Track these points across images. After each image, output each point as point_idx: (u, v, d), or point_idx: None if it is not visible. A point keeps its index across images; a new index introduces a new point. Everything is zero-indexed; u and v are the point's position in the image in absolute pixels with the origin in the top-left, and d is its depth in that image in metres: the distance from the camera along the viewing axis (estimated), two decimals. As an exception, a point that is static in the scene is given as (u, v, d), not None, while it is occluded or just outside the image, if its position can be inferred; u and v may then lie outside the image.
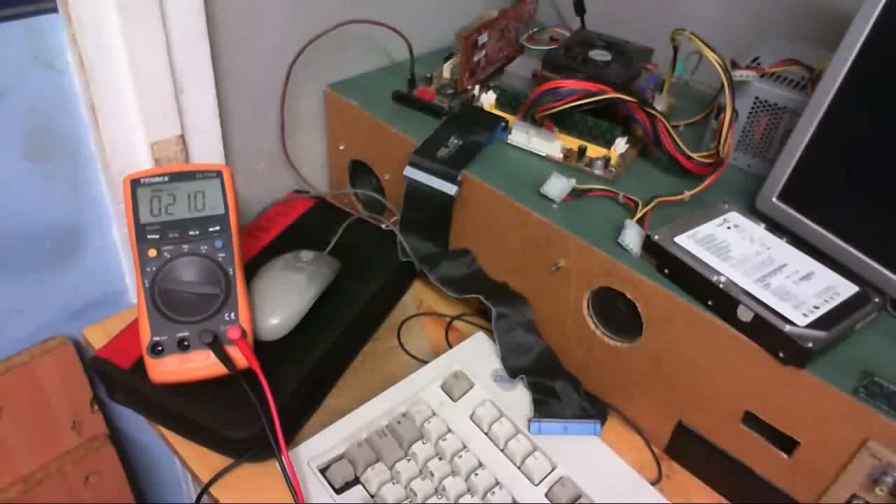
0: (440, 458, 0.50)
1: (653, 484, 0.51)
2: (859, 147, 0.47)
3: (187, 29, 0.55)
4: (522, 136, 0.61)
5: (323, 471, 0.49)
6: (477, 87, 0.68)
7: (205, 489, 0.48)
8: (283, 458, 0.46)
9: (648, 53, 0.66)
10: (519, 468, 0.51)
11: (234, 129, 0.65)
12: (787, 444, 0.47)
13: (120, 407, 0.54)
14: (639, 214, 0.53)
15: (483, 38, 0.68)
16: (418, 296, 0.67)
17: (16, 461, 0.64)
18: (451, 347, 0.61)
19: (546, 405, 0.54)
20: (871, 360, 0.44)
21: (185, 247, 0.50)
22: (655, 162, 0.61)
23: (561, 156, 0.60)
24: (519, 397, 0.55)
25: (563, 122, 0.62)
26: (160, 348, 0.48)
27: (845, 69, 0.45)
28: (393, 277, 0.64)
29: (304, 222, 0.68)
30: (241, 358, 0.49)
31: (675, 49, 0.61)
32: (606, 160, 0.59)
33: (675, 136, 0.56)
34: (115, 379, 0.51)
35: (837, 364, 0.44)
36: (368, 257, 0.63)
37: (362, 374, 0.59)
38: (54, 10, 0.51)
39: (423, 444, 0.51)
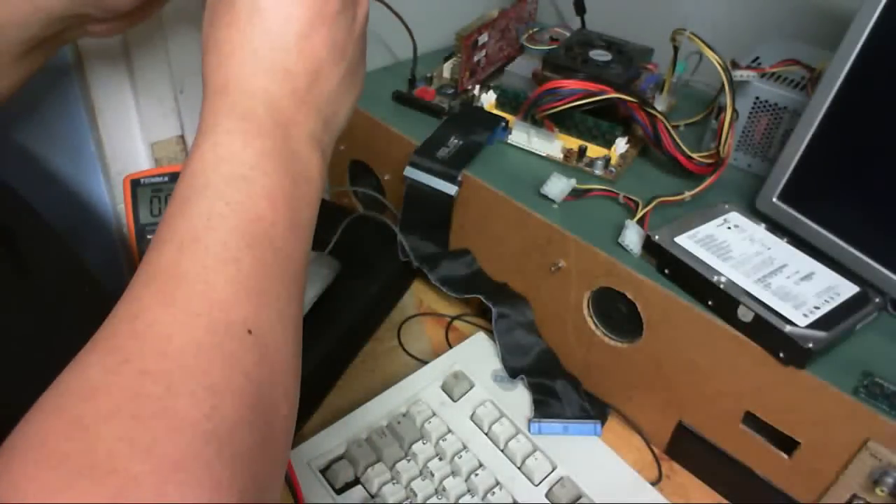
0: (440, 459, 0.50)
1: (653, 484, 0.51)
2: (860, 147, 0.47)
3: (186, 29, 0.55)
4: (522, 136, 0.61)
5: (323, 471, 0.49)
6: (477, 87, 0.68)
7: (205, 489, 0.48)
8: (283, 458, 0.46)
9: (648, 53, 0.66)
10: (519, 468, 0.51)
11: (234, 129, 0.65)
12: (787, 444, 0.47)
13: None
14: (639, 214, 0.53)
15: (483, 38, 0.68)
16: (418, 296, 0.67)
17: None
18: (451, 347, 0.61)
19: (546, 405, 0.54)
20: (871, 361, 0.44)
21: (185, 247, 0.50)
22: (655, 162, 0.61)
23: (561, 156, 0.60)
24: (519, 397, 0.55)
25: (563, 122, 0.62)
26: (160, 348, 0.48)
27: (845, 69, 0.45)
28: (393, 277, 0.64)
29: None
30: (241, 358, 0.49)
31: (676, 49, 0.61)
32: (607, 160, 0.59)
33: (675, 136, 0.56)
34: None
35: (838, 364, 0.44)
36: (368, 257, 0.63)
37: (362, 374, 0.59)
38: (54, 10, 0.51)
39: (424, 444, 0.51)
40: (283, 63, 0.33)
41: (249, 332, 0.27)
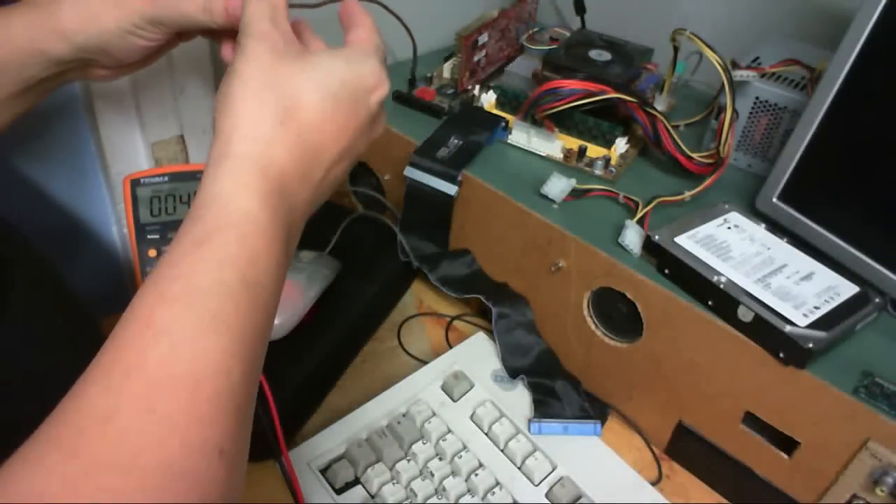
0: (440, 459, 0.50)
1: (653, 484, 0.51)
2: (859, 147, 0.47)
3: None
4: (523, 136, 0.61)
5: (323, 471, 0.49)
6: (477, 87, 0.68)
7: (205, 489, 0.48)
8: (283, 458, 0.46)
9: (648, 53, 0.66)
10: (519, 468, 0.51)
11: (234, 129, 0.65)
12: (787, 444, 0.47)
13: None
14: (639, 214, 0.53)
15: (483, 38, 0.68)
16: (418, 296, 0.67)
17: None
18: (451, 347, 0.61)
19: (546, 405, 0.54)
20: (871, 361, 0.44)
21: (185, 247, 0.50)
22: (655, 162, 0.61)
23: (561, 156, 0.60)
24: (519, 397, 0.55)
25: (563, 122, 0.62)
26: (160, 348, 0.48)
27: (845, 69, 0.45)
28: (393, 277, 0.64)
29: (305, 222, 0.67)
30: (241, 358, 0.49)
31: (676, 49, 0.61)
32: (607, 160, 0.59)
33: (675, 136, 0.56)
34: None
35: (838, 364, 0.44)
36: (368, 257, 0.63)
37: (362, 374, 0.59)
38: (54, 10, 0.51)
39: (424, 444, 0.51)
40: (315, 182, 0.35)
41: (221, 452, 0.26)
